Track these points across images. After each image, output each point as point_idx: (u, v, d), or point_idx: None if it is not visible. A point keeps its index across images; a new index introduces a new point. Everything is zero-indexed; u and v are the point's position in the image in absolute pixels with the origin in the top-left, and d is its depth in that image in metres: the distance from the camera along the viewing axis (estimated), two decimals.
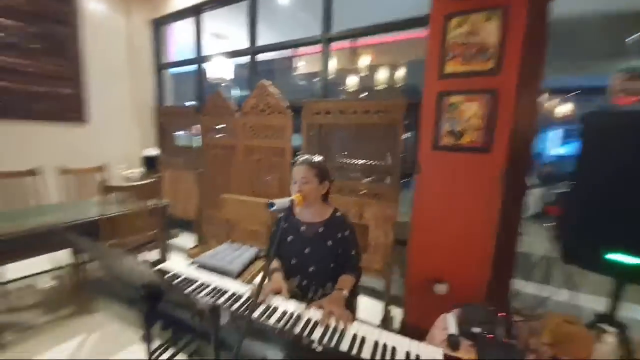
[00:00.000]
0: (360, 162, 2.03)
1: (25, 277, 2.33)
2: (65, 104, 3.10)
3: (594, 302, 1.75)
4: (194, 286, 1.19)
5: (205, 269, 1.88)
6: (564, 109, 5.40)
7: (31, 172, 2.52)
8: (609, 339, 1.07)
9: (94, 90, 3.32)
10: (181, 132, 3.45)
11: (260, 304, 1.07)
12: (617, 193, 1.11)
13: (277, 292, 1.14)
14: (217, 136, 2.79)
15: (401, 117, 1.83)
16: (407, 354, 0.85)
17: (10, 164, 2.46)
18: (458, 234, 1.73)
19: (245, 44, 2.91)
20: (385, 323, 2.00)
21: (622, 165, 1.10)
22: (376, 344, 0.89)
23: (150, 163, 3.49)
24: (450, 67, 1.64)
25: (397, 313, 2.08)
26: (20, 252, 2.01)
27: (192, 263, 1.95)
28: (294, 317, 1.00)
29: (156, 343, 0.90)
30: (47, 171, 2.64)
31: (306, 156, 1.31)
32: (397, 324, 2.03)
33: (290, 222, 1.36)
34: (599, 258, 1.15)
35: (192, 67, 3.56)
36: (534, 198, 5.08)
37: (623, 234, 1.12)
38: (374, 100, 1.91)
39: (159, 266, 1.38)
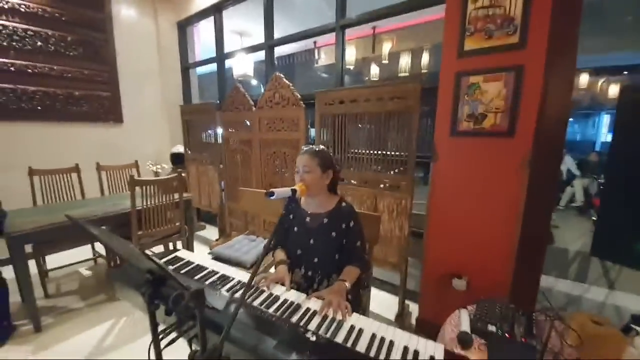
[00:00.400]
0: (375, 152, 1.96)
1: (66, 265, 2.58)
2: (102, 105, 3.36)
3: (633, 302, 1.54)
4: (202, 273, 1.23)
5: (221, 260, 1.97)
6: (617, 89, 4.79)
7: (74, 169, 2.78)
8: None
9: (126, 92, 3.56)
10: (210, 130, 3.56)
11: (253, 288, 1.08)
12: None
13: (280, 283, 1.14)
14: (236, 131, 2.85)
15: (417, 102, 1.73)
16: (405, 349, 0.81)
17: (55, 162, 2.73)
18: (478, 226, 1.61)
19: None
20: (401, 319, 1.93)
21: None
22: (373, 336, 0.85)
23: (177, 159, 3.69)
24: (471, 44, 1.51)
25: (415, 309, 2.00)
26: (60, 243, 2.26)
27: (210, 253, 2.04)
28: (293, 306, 0.99)
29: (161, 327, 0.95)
30: (87, 168, 2.89)
31: (309, 146, 1.29)
32: (414, 320, 1.96)
33: (296, 213, 1.35)
34: (633, 251, 1.00)
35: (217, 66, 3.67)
36: (578, 188, 4.59)
37: None
38: (387, 86, 1.82)
39: (176, 253, 1.44)
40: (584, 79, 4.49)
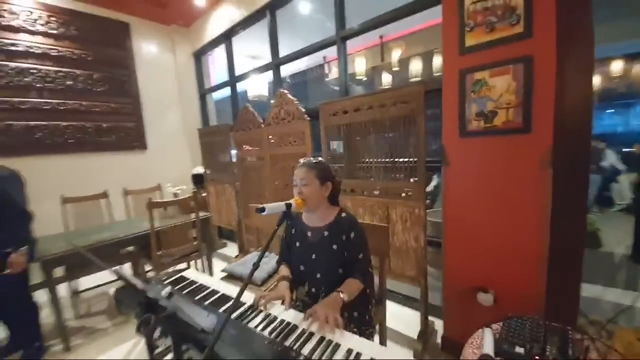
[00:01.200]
0: (384, 160, 1.89)
1: (96, 286, 2.71)
2: (128, 135, 3.61)
3: None
4: (204, 293, 1.22)
5: (234, 277, 1.96)
6: None
7: (103, 195, 2.97)
8: None
9: (149, 120, 3.80)
10: (226, 150, 3.65)
11: (250, 308, 1.04)
12: None
13: (280, 300, 1.09)
14: (248, 149, 2.91)
15: (421, 105, 1.65)
16: None
17: (86, 189, 2.93)
18: (500, 234, 1.46)
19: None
20: (425, 336, 1.78)
21: None
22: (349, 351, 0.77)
23: (198, 180, 3.83)
24: (472, 39, 1.43)
25: (440, 326, 1.84)
26: (89, 265, 2.37)
27: (223, 271, 2.04)
28: (290, 327, 0.94)
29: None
30: (115, 193, 3.08)
31: (307, 158, 1.27)
32: (439, 338, 1.80)
33: (297, 228, 1.32)
34: None
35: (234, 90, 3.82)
36: (625, 185, 4.11)
37: None
38: (389, 91, 1.77)
39: (182, 273, 1.45)
40: (617, 66, 4.10)
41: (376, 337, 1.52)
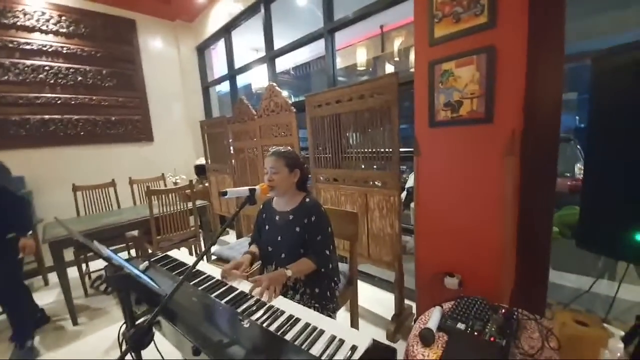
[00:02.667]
0: (363, 150, 1.95)
1: (102, 269, 2.94)
2: (135, 127, 3.81)
3: None
4: (181, 269, 1.35)
5: (222, 260, 2.10)
6: None
7: (111, 184, 3.18)
8: (616, 345, 0.79)
9: (155, 113, 3.98)
10: (225, 141, 3.79)
11: (214, 280, 1.18)
12: None
13: (237, 268, 1.23)
14: (243, 140, 3.02)
15: (395, 96, 1.69)
16: (332, 338, 0.81)
17: (96, 178, 3.15)
18: (465, 221, 1.51)
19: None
20: (399, 319, 1.86)
21: None
22: (306, 325, 0.87)
23: (200, 170, 4.00)
24: (440, 30, 1.46)
25: (415, 308, 1.92)
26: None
27: (213, 254, 2.18)
28: (242, 296, 1.05)
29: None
30: (123, 182, 3.29)
31: (276, 148, 1.36)
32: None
33: (268, 212, 1.43)
34: (622, 241, 0.87)
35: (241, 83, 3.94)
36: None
37: None
38: (366, 83, 1.82)
39: (167, 252, 1.59)
40: None
41: (347, 315, 1.63)
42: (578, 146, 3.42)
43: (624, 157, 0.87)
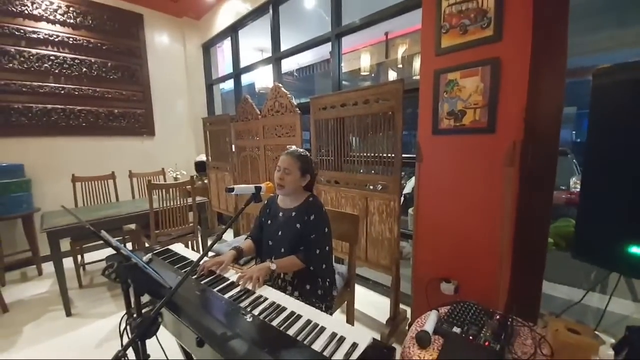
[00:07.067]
0: (365, 154, 1.98)
1: (100, 260, 2.93)
2: (138, 121, 3.80)
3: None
4: (183, 262, 1.36)
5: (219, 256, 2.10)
6: None
7: (110, 176, 3.18)
8: (607, 352, 0.82)
9: (158, 108, 3.99)
10: (227, 139, 3.81)
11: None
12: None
13: (218, 264, 1.25)
14: (246, 139, 3.04)
15: (399, 103, 1.72)
16: (333, 335, 0.83)
17: (97, 170, 3.15)
18: (464, 228, 1.54)
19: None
20: (394, 322, 1.88)
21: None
22: (308, 322, 0.89)
23: (201, 167, 4.01)
24: (447, 41, 1.50)
25: (409, 313, 1.94)
26: (93, 239, 2.58)
27: (212, 250, 2.19)
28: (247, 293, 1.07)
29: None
30: (123, 175, 3.29)
31: (294, 147, 1.39)
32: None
33: (272, 209, 1.45)
34: (616, 253, 0.91)
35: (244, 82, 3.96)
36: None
37: None
38: (372, 88, 1.85)
39: (169, 246, 1.60)
40: None
41: (343, 317, 1.65)
42: (574, 160, 3.49)
43: (620, 171, 0.91)
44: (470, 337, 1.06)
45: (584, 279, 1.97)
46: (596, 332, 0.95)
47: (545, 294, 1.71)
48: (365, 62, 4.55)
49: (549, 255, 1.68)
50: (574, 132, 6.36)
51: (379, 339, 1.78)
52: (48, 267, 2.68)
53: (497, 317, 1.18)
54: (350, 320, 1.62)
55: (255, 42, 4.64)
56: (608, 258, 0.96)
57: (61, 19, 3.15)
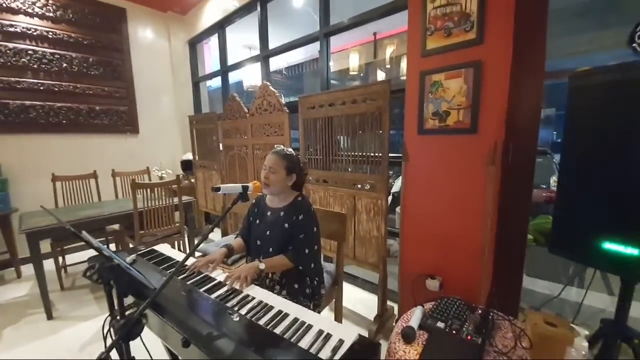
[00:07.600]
0: (353, 153, 2.00)
1: (82, 262, 2.84)
2: (121, 118, 3.70)
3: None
4: (169, 263, 1.34)
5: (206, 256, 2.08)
6: None
7: (92, 175, 3.09)
8: (581, 343, 0.87)
9: (142, 105, 3.89)
10: (214, 138, 3.75)
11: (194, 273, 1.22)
12: (614, 171, 0.90)
13: (210, 262, 1.24)
14: (234, 137, 3.01)
15: (386, 103, 1.75)
16: (320, 332, 0.84)
17: (78, 169, 3.05)
18: (448, 225, 1.58)
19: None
20: (381, 319, 1.91)
21: (615, 130, 0.90)
22: (295, 320, 0.90)
23: (187, 166, 3.94)
24: (432, 43, 1.53)
25: (396, 309, 1.97)
26: (74, 241, 2.51)
27: (198, 251, 2.16)
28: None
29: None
30: (105, 174, 3.20)
31: (281, 147, 1.38)
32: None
33: (260, 208, 1.44)
34: (591, 248, 0.95)
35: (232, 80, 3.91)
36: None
37: (621, 219, 0.90)
38: (359, 88, 1.87)
39: (154, 247, 1.57)
40: None
41: (331, 315, 1.66)
42: (554, 159, 3.63)
43: (594, 170, 0.96)
44: (454, 332, 1.09)
45: (563, 274, 2.06)
46: (572, 325, 0.99)
47: (525, 288, 1.78)
48: (354, 61, 4.58)
49: (529, 251, 1.75)
50: (554, 132, 6.59)
51: (367, 336, 1.80)
52: (27, 269, 2.59)
53: (479, 311, 1.22)
54: (338, 317, 1.64)
55: (243, 39, 4.58)
56: (583, 253, 1.01)
57: (40, 12, 3.03)
